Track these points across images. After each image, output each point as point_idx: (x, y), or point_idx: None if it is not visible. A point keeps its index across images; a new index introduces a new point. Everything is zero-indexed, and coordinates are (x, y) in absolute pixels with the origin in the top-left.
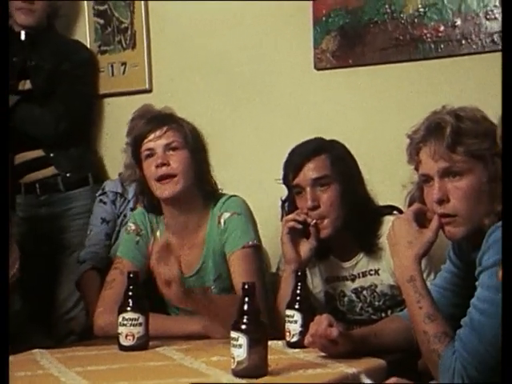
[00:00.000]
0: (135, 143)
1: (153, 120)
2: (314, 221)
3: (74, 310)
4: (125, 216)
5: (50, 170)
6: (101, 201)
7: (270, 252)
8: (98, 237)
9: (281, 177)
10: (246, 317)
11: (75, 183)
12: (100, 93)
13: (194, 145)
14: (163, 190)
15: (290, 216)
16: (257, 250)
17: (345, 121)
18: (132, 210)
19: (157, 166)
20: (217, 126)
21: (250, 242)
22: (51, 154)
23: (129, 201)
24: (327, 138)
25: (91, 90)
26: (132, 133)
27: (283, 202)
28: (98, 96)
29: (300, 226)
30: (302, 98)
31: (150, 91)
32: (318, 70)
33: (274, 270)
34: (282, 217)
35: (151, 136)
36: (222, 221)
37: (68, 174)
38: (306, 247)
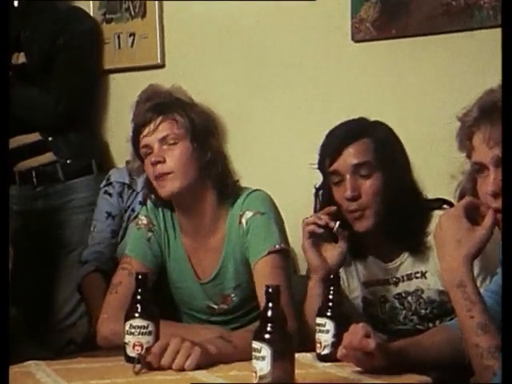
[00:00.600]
0: (134, 138)
1: (149, 110)
2: (338, 223)
3: (74, 315)
4: (133, 210)
5: (48, 157)
6: (106, 192)
7: (299, 253)
8: (103, 234)
9: (316, 162)
10: (269, 325)
11: (77, 172)
12: (105, 68)
13: (200, 133)
14: (162, 190)
15: (310, 219)
16: (284, 255)
17: (385, 100)
18: (141, 203)
19: (152, 164)
20: (237, 108)
21: (277, 246)
22: (49, 138)
23: (137, 193)
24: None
25: (94, 65)
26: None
27: (317, 189)
28: (102, 72)
29: (321, 231)
30: (338, 75)
31: (161, 66)
32: (356, 41)
33: (303, 272)
34: (316, 207)
35: (146, 130)
36: (244, 221)
37: (68, 161)
38: (334, 252)
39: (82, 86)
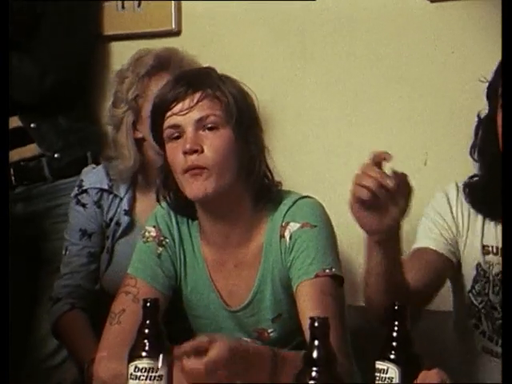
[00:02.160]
0: (155, 115)
1: (180, 80)
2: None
3: (60, 353)
4: (118, 224)
5: (32, 149)
6: (78, 203)
7: (350, 278)
8: (78, 260)
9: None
10: (315, 369)
11: (67, 168)
12: (104, 34)
13: (242, 120)
14: (192, 188)
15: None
16: (336, 282)
17: (468, 69)
18: (127, 213)
19: (185, 153)
20: (277, 89)
21: (327, 271)
22: (32, 125)
23: (121, 199)
24: (446, 89)
25: (91, 30)
26: (131, 88)
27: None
28: (100, 38)
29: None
30: (412, 41)
31: (177, 33)
32: (433, 2)
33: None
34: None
35: (178, 107)
36: (288, 234)
37: (56, 155)
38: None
39: (75, 55)
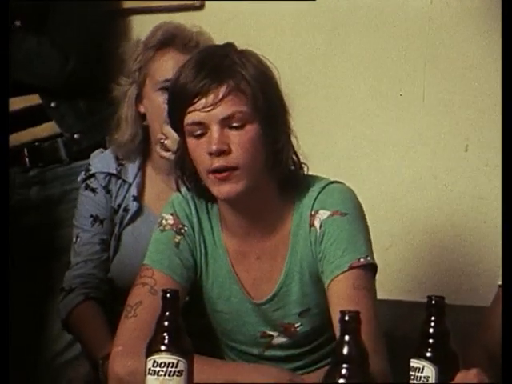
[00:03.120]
0: (174, 106)
1: (202, 68)
2: None
3: (72, 349)
4: (126, 210)
5: (47, 129)
6: (87, 187)
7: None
8: (90, 247)
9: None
10: (345, 366)
11: (85, 150)
12: (121, 8)
13: (269, 111)
14: (219, 188)
15: None
16: (370, 272)
17: None
18: (135, 199)
19: (211, 153)
20: (304, 69)
21: (362, 260)
22: (52, 104)
23: (130, 185)
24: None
25: (109, 4)
26: (136, 59)
27: None
28: (120, 12)
29: None
30: (451, 26)
31: (199, 7)
32: None
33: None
34: None
35: (201, 103)
36: (317, 223)
37: (76, 135)
38: None
39: (95, 32)
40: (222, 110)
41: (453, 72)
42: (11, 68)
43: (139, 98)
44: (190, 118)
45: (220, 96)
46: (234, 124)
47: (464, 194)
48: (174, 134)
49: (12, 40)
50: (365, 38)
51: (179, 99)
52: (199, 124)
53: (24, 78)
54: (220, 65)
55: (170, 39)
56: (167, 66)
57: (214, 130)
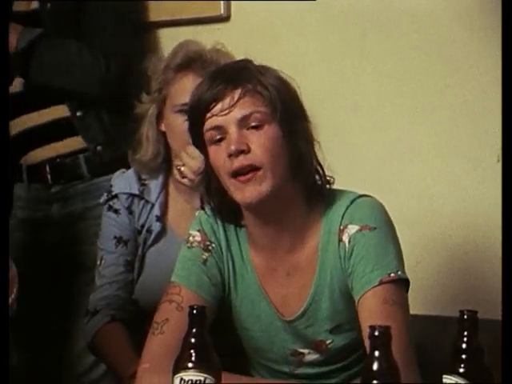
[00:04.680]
0: (193, 117)
1: (217, 78)
2: None
3: (98, 368)
4: (149, 231)
5: (68, 145)
6: (110, 209)
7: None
8: (115, 269)
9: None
10: (375, 382)
11: (106, 165)
12: (151, 20)
13: (287, 113)
14: (243, 192)
15: None
16: (402, 287)
17: None
18: (158, 219)
19: (230, 155)
20: (332, 83)
21: (393, 275)
22: (78, 113)
23: (152, 205)
24: None
25: (139, 16)
26: (157, 79)
27: None
28: (146, 25)
29: None
30: (480, 32)
31: (226, 19)
32: None
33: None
34: None
35: (218, 107)
36: (346, 238)
37: (98, 148)
38: None
39: (129, 41)
40: (239, 111)
41: (484, 81)
42: (45, 73)
43: (160, 117)
44: (208, 125)
45: (236, 98)
46: (253, 124)
47: (496, 206)
48: (196, 153)
49: (44, 42)
50: (390, 47)
51: (197, 110)
52: (217, 128)
53: (61, 83)
54: (235, 71)
55: (189, 63)
56: (185, 89)
57: (233, 131)
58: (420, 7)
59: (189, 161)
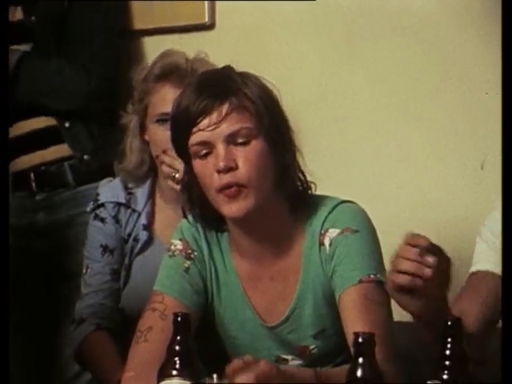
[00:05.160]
0: (178, 130)
1: (203, 91)
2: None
3: (84, 376)
4: (136, 240)
5: (53, 152)
6: (96, 217)
7: None
8: (101, 278)
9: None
10: None
11: (92, 174)
12: (134, 29)
13: (273, 127)
14: (229, 207)
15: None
16: (381, 288)
17: None
18: (145, 228)
19: (219, 172)
20: (319, 88)
21: (372, 276)
22: (66, 124)
23: (139, 214)
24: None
25: (122, 25)
26: (143, 99)
27: None
28: (131, 33)
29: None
30: (468, 35)
31: (210, 27)
32: None
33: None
34: None
35: (205, 122)
36: (327, 242)
37: (86, 157)
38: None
39: (111, 53)
40: (227, 127)
41: (478, 86)
42: (25, 92)
43: (143, 127)
44: (194, 139)
45: (223, 113)
46: (240, 140)
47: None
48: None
49: (25, 64)
50: (380, 50)
51: (182, 122)
52: (204, 144)
53: (44, 101)
54: (222, 85)
55: (166, 74)
56: (164, 99)
57: (220, 147)
58: (418, 7)
59: (173, 161)
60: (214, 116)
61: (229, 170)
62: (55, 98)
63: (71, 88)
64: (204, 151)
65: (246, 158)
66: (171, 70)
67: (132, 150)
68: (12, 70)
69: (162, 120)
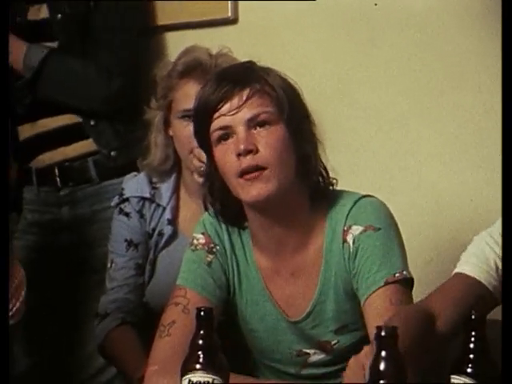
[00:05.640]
0: (199, 118)
1: (224, 79)
2: None
3: (108, 370)
4: (160, 234)
5: (77, 149)
6: (121, 212)
7: (425, 284)
8: (125, 272)
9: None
10: (382, 382)
11: (114, 168)
12: (156, 24)
13: (293, 114)
14: (249, 191)
15: None
16: (406, 286)
17: None
18: (170, 223)
19: (238, 155)
20: (339, 82)
21: (397, 274)
22: (91, 122)
23: (164, 208)
24: None
25: (146, 22)
26: (167, 95)
27: None
28: (152, 30)
29: None
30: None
31: (233, 22)
32: None
33: None
34: None
35: (226, 107)
36: (350, 239)
37: (113, 153)
38: None
39: (135, 51)
40: (248, 111)
41: (492, 80)
42: (49, 90)
43: (167, 123)
44: (216, 125)
45: (244, 98)
46: (260, 121)
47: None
48: (203, 154)
49: (51, 61)
50: (399, 46)
51: (204, 111)
52: (225, 128)
53: (67, 100)
54: (243, 73)
55: (190, 70)
56: (188, 95)
57: (241, 131)
58: (436, 5)
59: (203, 155)
60: (235, 101)
61: (249, 152)
62: (79, 98)
63: (94, 90)
64: (225, 136)
65: (266, 142)
66: (195, 66)
67: (157, 145)
68: (38, 66)
69: (185, 116)
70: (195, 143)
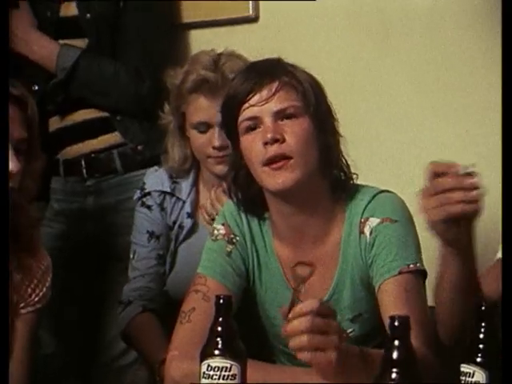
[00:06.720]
0: (228, 109)
1: (253, 71)
2: None
3: (131, 353)
4: (181, 227)
5: (102, 141)
6: (143, 205)
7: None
8: (147, 262)
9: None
10: (395, 370)
11: (140, 162)
12: (182, 22)
13: (318, 108)
14: (274, 179)
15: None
16: (419, 278)
17: None
18: (189, 216)
19: (265, 143)
20: (355, 79)
21: (411, 265)
22: (117, 117)
23: (184, 202)
24: None
25: (172, 21)
26: (179, 107)
27: None
28: (176, 27)
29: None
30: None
31: (254, 20)
32: None
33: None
34: None
35: (255, 98)
36: (367, 230)
37: (139, 147)
38: None
39: (163, 51)
40: (276, 104)
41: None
42: (84, 91)
43: (183, 128)
44: (245, 115)
45: (273, 90)
46: (288, 113)
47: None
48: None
49: (84, 62)
50: (415, 41)
51: (233, 101)
52: (254, 119)
53: (99, 100)
54: (271, 66)
55: (197, 88)
56: (199, 109)
57: (268, 121)
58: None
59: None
60: (265, 92)
61: (276, 141)
62: (110, 99)
63: (125, 91)
64: (253, 126)
65: (292, 132)
66: (202, 83)
67: (174, 148)
68: (71, 68)
69: (198, 128)
70: (211, 150)
